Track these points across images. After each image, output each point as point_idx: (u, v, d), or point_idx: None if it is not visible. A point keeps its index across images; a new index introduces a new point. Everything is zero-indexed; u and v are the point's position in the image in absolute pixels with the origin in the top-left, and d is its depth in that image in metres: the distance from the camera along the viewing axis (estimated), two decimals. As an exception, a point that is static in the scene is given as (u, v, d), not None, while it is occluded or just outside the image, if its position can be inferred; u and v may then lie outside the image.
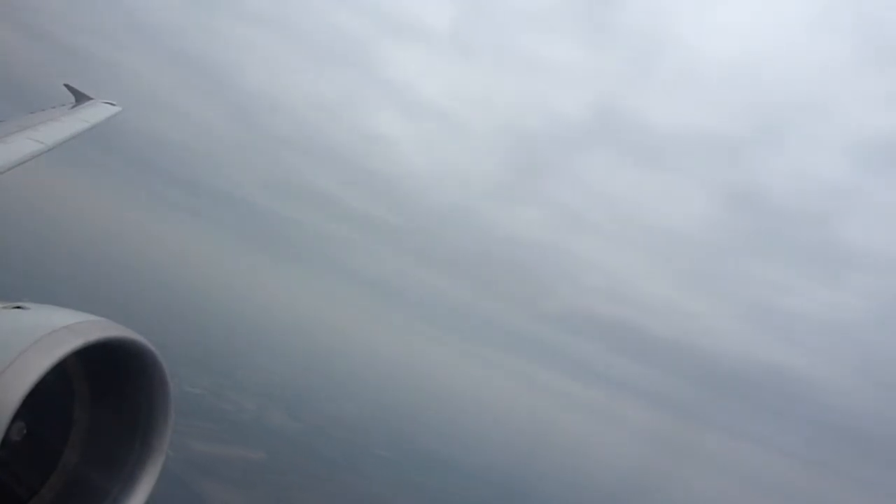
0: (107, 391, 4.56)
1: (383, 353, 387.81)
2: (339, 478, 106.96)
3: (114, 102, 12.37)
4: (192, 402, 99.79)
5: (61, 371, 4.07)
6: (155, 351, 4.40)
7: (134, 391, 4.50)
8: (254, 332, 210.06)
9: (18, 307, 4.38)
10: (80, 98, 11.86)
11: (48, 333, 3.95)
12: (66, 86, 11.95)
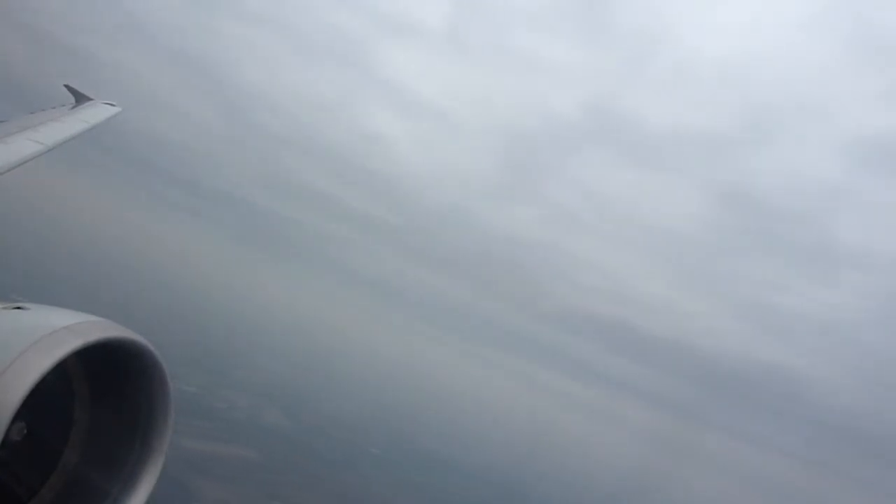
0: (107, 391, 4.56)
1: (381, 352, 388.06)
2: (334, 477, 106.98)
3: (114, 103, 12.36)
4: (187, 400, 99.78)
5: (61, 371, 4.07)
6: (155, 351, 4.40)
7: (134, 391, 4.50)
8: (251, 331, 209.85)
9: (18, 307, 4.38)
10: (80, 98, 11.85)
11: (48, 334, 3.95)
12: (66, 86, 11.94)
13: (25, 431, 4.05)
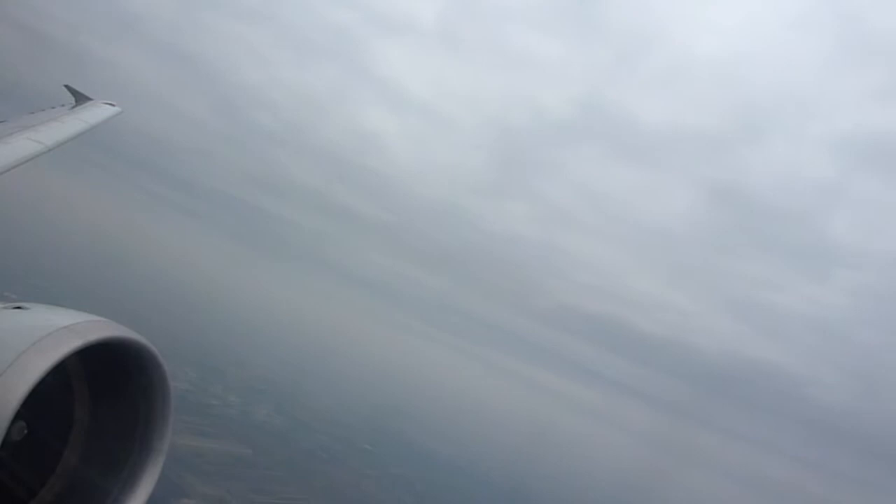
0: (107, 391, 4.56)
1: (373, 349, 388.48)
2: (326, 473, 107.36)
3: (113, 103, 12.36)
4: (179, 397, 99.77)
5: (61, 371, 4.07)
6: (155, 351, 4.41)
7: (134, 391, 4.50)
8: (243, 328, 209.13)
9: (18, 307, 4.38)
10: (79, 98, 11.84)
11: (48, 333, 3.96)
12: (66, 86, 11.94)
13: (26, 431, 4.05)
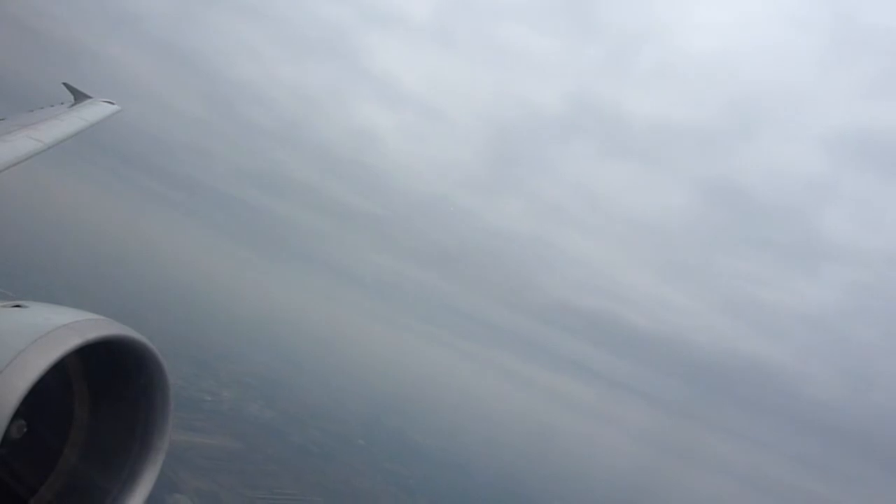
0: (106, 390, 4.56)
1: (367, 345, 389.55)
2: (319, 468, 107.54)
3: (112, 101, 12.36)
4: (173, 392, 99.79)
5: (61, 369, 4.07)
6: (155, 349, 4.41)
7: (134, 389, 4.50)
8: (237, 324, 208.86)
9: (18, 305, 4.38)
10: (79, 97, 11.84)
11: (48, 332, 3.95)
12: (66, 84, 11.94)
13: (25, 430, 4.05)
